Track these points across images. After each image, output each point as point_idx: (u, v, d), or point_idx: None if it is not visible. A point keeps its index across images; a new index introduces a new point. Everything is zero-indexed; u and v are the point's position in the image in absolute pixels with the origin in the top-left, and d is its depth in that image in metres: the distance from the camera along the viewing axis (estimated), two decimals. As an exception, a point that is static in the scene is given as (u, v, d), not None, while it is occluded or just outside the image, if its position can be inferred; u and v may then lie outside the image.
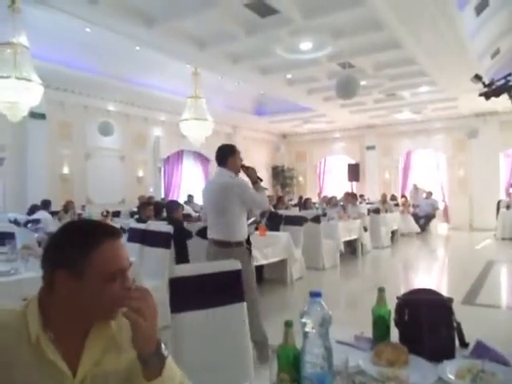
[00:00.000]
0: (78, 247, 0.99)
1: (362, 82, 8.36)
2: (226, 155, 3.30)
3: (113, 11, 5.83)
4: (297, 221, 6.67)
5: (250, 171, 3.34)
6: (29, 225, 5.28)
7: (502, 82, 4.33)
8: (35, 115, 8.22)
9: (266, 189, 3.53)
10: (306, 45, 7.36)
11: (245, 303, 2.02)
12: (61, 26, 6.98)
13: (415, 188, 13.28)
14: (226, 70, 8.60)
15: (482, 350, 1.36)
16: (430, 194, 12.63)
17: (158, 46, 7.22)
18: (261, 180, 3.38)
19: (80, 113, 9.92)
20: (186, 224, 5.57)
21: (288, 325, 1.11)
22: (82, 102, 9.86)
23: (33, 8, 5.88)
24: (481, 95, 4.57)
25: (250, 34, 6.75)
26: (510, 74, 4.31)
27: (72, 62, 8.03)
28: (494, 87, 4.41)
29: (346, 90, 6.95)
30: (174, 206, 5.72)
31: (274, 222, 6.55)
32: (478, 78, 4.49)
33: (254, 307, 3.22)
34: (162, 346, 1.00)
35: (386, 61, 8.40)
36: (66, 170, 9.61)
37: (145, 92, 9.78)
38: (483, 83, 4.45)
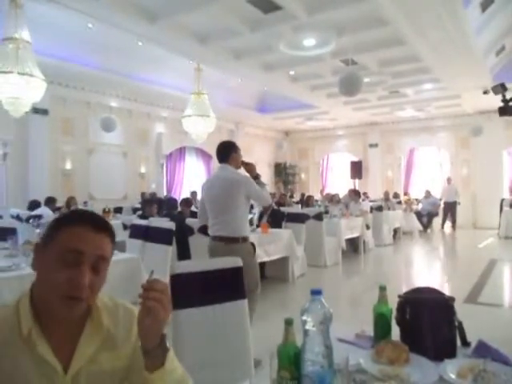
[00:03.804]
0: (56, 224, 1.03)
1: (366, 79, 8.33)
2: (230, 151, 3.30)
3: (115, 7, 5.82)
4: (299, 218, 6.66)
5: (250, 167, 3.35)
6: (31, 220, 5.29)
7: None
8: (38, 111, 8.24)
9: (266, 184, 3.55)
10: (309, 41, 7.34)
11: (246, 300, 2.01)
12: (63, 22, 6.96)
13: (449, 182, 12.74)
14: (228, 66, 8.58)
15: (483, 350, 1.34)
16: (428, 193, 12.55)
17: (160, 42, 7.21)
18: (259, 176, 3.39)
19: (82, 108, 9.92)
20: (187, 220, 5.57)
21: (288, 322, 1.10)
22: (85, 97, 9.86)
23: (35, 3, 5.86)
24: (499, 108, 4.41)
25: (253, 29, 6.72)
26: None
27: (74, 57, 8.04)
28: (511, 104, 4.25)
29: (349, 86, 6.93)
30: (175, 203, 5.72)
31: (276, 219, 6.54)
32: (503, 87, 4.31)
33: (252, 304, 3.24)
34: (166, 338, 1.00)
35: (389, 58, 8.36)
36: (68, 166, 9.63)
37: (147, 88, 9.79)
38: (503, 96, 4.27)
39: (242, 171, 3.36)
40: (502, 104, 4.30)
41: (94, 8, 5.82)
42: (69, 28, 7.22)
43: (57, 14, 6.44)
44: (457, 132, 13.43)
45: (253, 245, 3.35)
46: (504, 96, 4.24)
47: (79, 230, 1.00)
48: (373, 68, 8.71)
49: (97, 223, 1.03)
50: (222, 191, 3.23)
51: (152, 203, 6.19)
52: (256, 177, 3.30)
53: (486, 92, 9.80)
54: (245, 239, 3.25)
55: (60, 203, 7.94)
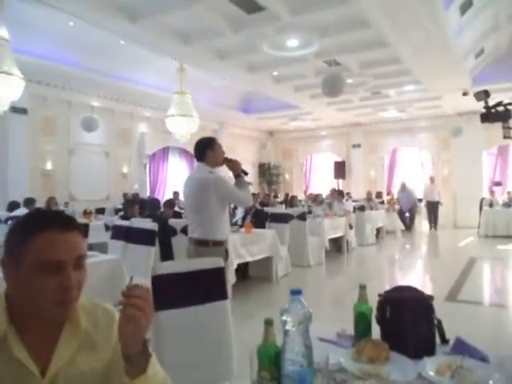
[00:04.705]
0: (20, 233, 0.97)
1: (348, 80, 8.39)
2: (205, 149, 3.11)
3: (96, 4, 5.73)
4: (282, 218, 6.68)
5: (232, 164, 3.12)
6: (9, 222, 5.19)
7: (503, 109, 4.25)
8: (16, 110, 8.06)
9: (251, 183, 3.38)
10: (292, 42, 7.35)
11: (228, 301, 2.00)
12: (43, 20, 6.85)
13: (432, 181, 12.60)
14: (211, 66, 8.54)
15: (461, 347, 1.37)
16: (403, 186, 12.46)
17: (142, 41, 7.13)
18: (246, 173, 3.18)
19: (63, 108, 9.76)
20: (170, 221, 5.55)
21: (268, 323, 1.10)
22: (66, 96, 9.71)
23: (14, 0, 5.75)
24: (481, 115, 4.46)
25: (236, 30, 6.70)
26: (510, 103, 4.24)
27: (55, 55, 7.90)
28: (494, 111, 4.31)
29: (332, 87, 6.98)
30: (158, 203, 5.68)
31: (259, 219, 6.55)
32: (486, 94, 4.35)
33: None
34: (148, 344, 0.98)
35: (371, 59, 8.44)
36: (48, 166, 9.46)
37: (130, 87, 9.68)
38: (486, 102, 4.32)
39: (225, 169, 3.21)
40: (484, 110, 4.35)
41: (75, 6, 5.72)
42: (49, 26, 7.11)
43: (36, 11, 6.33)
44: (437, 133, 13.65)
45: (226, 251, 3.15)
46: (486, 103, 4.28)
47: (50, 236, 0.96)
48: (355, 69, 8.78)
49: (64, 223, 1.00)
50: (193, 192, 3.11)
51: (134, 204, 6.14)
52: (238, 175, 3.12)
53: (465, 94, 9.98)
54: (216, 243, 3.05)
55: (40, 204, 7.80)
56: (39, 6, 5.85)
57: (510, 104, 4.20)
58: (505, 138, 4.47)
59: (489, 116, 4.31)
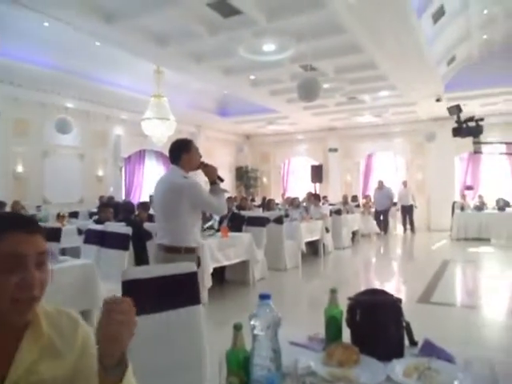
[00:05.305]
0: None
1: (324, 85, 8.47)
2: (180, 151, 2.96)
3: (71, 5, 5.63)
4: (259, 221, 6.69)
5: (208, 169, 2.99)
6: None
7: (474, 124, 4.36)
8: (-14, 111, 7.86)
9: (226, 191, 3.28)
10: (268, 46, 7.39)
11: (201, 305, 1.99)
12: (17, 20, 6.69)
13: (405, 185, 12.85)
14: (188, 69, 8.50)
15: (429, 348, 1.39)
16: (381, 183, 12.60)
17: (117, 43, 7.03)
18: (221, 180, 3.07)
19: (36, 109, 9.53)
20: (145, 225, 5.48)
21: (237, 328, 1.10)
22: (39, 98, 9.48)
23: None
24: (453, 129, 4.59)
25: (213, 33, 6.69)
26: (481, 119, 4.37)
27: (29, 56, 7.71)
28: (465, 126, 4.42)
29: (308, 92, 7.02)
30: (132, 207, 5.61)
31: (236, 222, 6.54)
32: (458, 109, 4.47)
33: None
34: (127, 356, 0.96)
35: (347, 64, 8.55)
36: (19, 169, 9.21)
37: (106, 89, 9.53)
38: (458, 117, 4.43)
39: (200, 174, 3.09)
40: (455, 125, 4.49)
41: (49, 6, 5.60)
42: (23, 26, 6.94)
43: (10, 11, 6.17)
44: (412, 138, 13.93)
45: (198, 259, 3.00)
46: (459, 117, 4.42)
47: (15, 236, 0.95)
48: (331, 74, 8.88)
49: (29, 225, 0.99)
50: (164, 196, 2.97)
51: (108, 207, 6.04)
52: (213, 182, 3.00)
53: (438, 100, 10.23)
54: (188, 250, 2.91)
55: (10, 208, 7.60)
56: (13, 6, 5.71)
57: (481, 120, 4.33)
58: (475, 153, 4.60)
59: (460, 131, 4.44)
